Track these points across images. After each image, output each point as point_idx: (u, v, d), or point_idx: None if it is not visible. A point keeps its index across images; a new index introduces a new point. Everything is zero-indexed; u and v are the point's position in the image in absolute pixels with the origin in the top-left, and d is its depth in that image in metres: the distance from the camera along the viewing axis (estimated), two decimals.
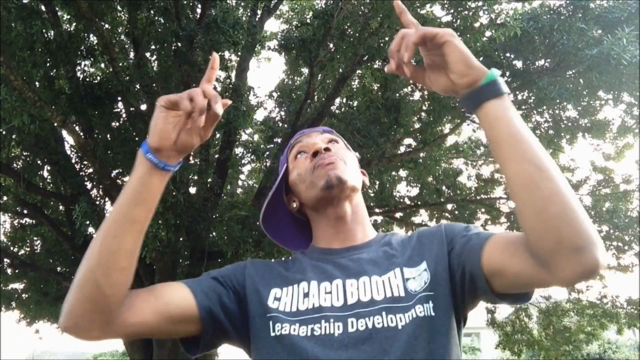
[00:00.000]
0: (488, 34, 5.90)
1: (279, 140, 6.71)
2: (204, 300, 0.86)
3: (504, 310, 9.19)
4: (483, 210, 7.95)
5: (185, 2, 5.35)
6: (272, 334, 0.84)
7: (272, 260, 1.04)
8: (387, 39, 6.00)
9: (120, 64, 5.24)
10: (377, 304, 0.84)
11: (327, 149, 0.97)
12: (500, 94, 0.77)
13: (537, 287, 0.82)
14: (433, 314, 0.82)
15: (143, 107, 5.64)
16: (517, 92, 6.10)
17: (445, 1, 5.85)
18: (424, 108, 6.62)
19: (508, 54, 5.65)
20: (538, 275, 0.74)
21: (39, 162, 6.33)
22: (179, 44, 4.98)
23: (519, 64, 5.73)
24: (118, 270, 0.77)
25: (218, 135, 7.00)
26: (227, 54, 6.42)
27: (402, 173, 8.01)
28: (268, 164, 6.18)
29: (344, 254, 0.95)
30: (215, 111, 0.78)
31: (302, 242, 1.07)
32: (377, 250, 0.95)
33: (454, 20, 5.97)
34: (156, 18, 5.21)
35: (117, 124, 5.85)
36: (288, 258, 1.04)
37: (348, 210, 0.97)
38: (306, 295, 0.87)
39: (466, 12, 5.77)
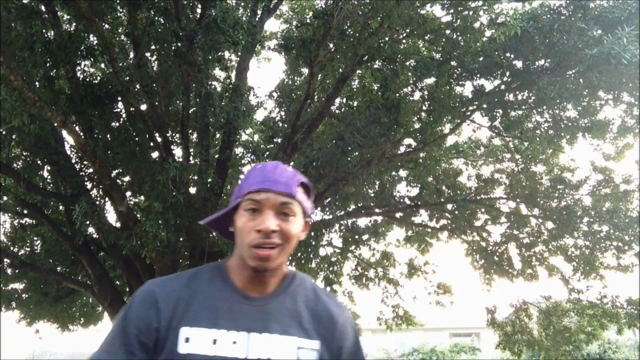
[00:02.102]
0: (488, 33, 5.90)
1: (279, 140, 6.71)
2: None
3: (504, 311, 9.20)
4: (483, 210, 7.96)
5: (185, 2, 5.35)
6: None
7: (179, 274, 1.13)
8: (387, 39, 6.00)
9: (120, 64, 5.24)
10: None
11: (273, 231, 1.05)
12: None
13: None
14: None
15: (143, 107, 5.64)
16: (517, 92, 6.09)
17: (445, 1, 5.85)
18: (424, 108, 6.61)
19: (508, 54, 5.64)
20: None
21: (39, 162, 6.33)
22: (179, 44, 4.98)
23: (519, 64, 5.73)
24: None
25: (218, 135, 7.00)
26: (227, 54, 6.42)
27: (402, 173, 8.01)
28: None
29: (254, 302, 1.08)
30: None
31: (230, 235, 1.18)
32: (283, 302, 1.10)
33: (454, 20, 5.97)
34: (156, 18, 5.20)
35: (117, 124, 5.85)
36: (199, 268, 1.15)
37: (267, 274, 1.09)
38: (215, 342, 1.00)
39: (466, 12, 5.77)
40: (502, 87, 6.01)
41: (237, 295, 1.08)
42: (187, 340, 1.00)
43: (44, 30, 4.72)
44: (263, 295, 1.10)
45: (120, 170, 6.14)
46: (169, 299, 1.06)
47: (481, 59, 5.76)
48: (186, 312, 1.04)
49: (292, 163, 6.75)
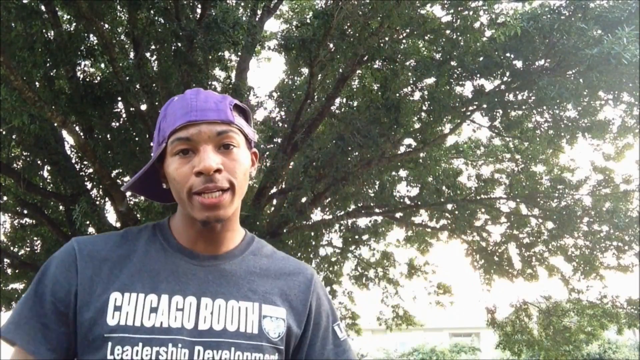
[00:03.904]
0: (488, 33, 5.91)
1: (279, 140, 6.71)
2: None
3: (504, 311, 9.20)
4: (483, 210, 7.96)
5: (185, 2, 5.35)
6: (109, 358, 0.75)
7: (110, 232, 0.91)
8: (387, 39, 6.00)
9: (120, 64, 5.23)
10: (228, 336, 0.81)
11: (217, 170, 0.82)
12: None
13: None
14: None
15: (143, 107, 5.64)
16: (517, 92, 6.10)
17: (445, 1, 5.85)
18: (424, 108, 6.62)
19: (508, 54, 5.64)
20: None
21: (39, 162, 6.33)
22: (179, 44, 4.98)
23: (519, 64, 5.74)
24: None
25: None
26: (227, 54, 6.42)
27: (402, 173, 8.01)
28: (268, 164, 6.18)
29: (204, 262, 0.88)
30: None
31: (163, 195, 0.96)
32: (241, 263, 0.91)
33: (454, 20, 5.97)
34: (156, 18, 5.20)
35: (117, 124, 5.85)
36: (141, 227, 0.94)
37: (218, 227, 0.89)
38: (154, 310, 0.80)
39: (466, 12, 5.78)
40: (502, 87, 6.02)
41: (182, 254, 0.87)
42: (117, 308, 0.78)
43: (44, 30, 4.72)
44: (216, 254, 0.89)
45: (120, 170, 6.15)
46: (92, 259, 0.84)
47: (481, 59, 5.76)
48: (116, 275, 0.82)
49: (292, 163, 6.76)
